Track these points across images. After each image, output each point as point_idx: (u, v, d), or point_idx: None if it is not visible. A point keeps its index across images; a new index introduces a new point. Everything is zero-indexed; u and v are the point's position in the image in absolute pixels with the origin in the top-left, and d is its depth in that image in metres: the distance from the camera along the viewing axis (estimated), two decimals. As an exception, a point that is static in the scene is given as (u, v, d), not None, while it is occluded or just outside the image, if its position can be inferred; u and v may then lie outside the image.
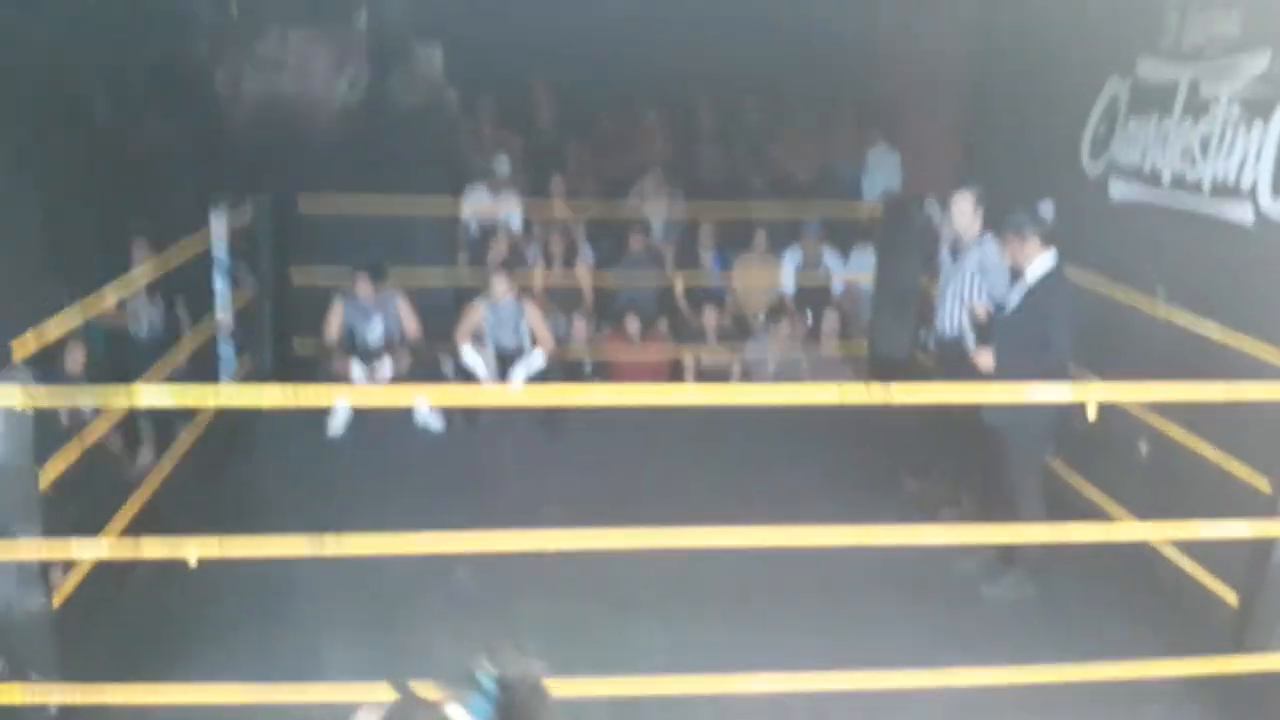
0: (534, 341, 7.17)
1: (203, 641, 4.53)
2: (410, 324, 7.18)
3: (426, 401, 6.93)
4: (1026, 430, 5.05)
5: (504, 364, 7.13)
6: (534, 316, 7.21)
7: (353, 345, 7.12)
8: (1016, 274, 5.25)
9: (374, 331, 7.15)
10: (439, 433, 7.08)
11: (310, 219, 7.76)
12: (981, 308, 5.65)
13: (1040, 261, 5.07)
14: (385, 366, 7.01)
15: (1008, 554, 5.22)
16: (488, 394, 6.85)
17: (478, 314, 7.16)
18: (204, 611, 4.70)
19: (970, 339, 5.65)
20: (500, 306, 7.11)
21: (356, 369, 6.96)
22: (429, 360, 7.24)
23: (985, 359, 5.18)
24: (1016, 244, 5.13)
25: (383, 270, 7.17)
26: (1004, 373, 5.02)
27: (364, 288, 7.06)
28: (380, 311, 7.15)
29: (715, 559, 4.61)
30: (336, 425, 6.94)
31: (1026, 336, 5.03)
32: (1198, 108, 5.60)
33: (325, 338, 7.14)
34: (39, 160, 6.75)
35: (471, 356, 7.06)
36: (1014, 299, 5.21)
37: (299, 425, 6.71)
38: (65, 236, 6.92)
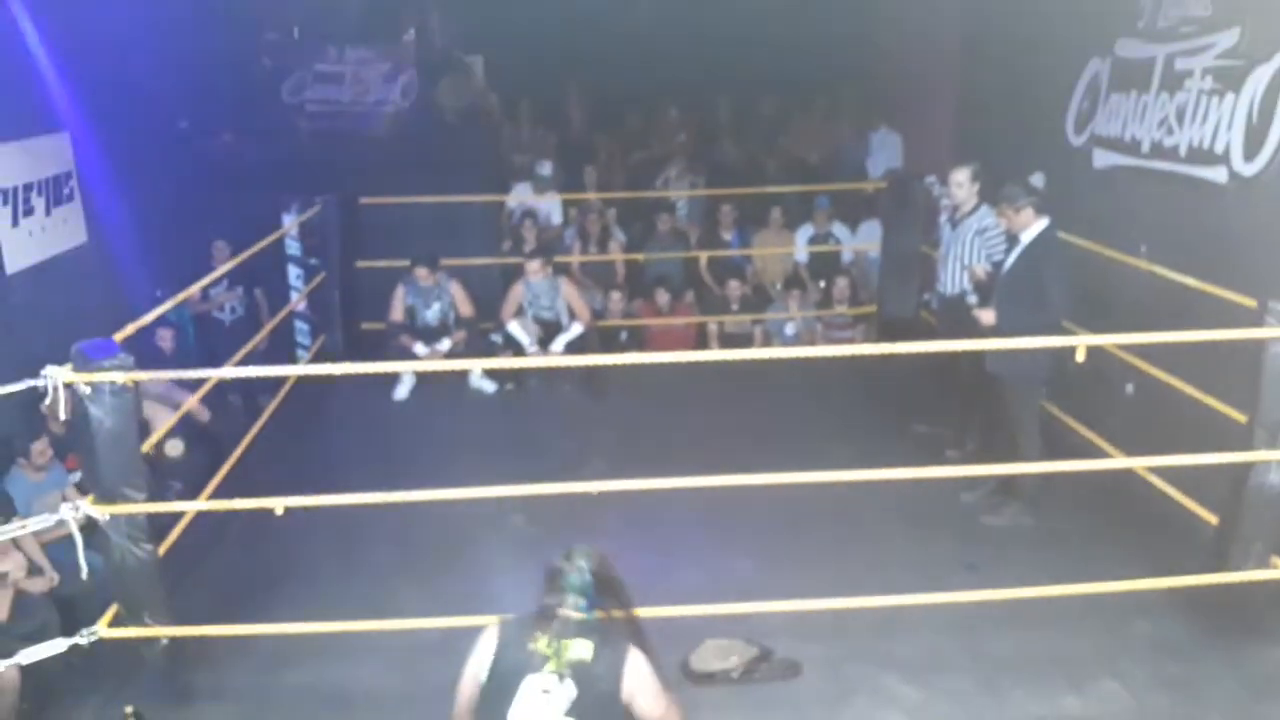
0: (572, 314, 7.24)
1: (290, 583, 4.63)
2: (464, 305, 7.26)
3: (479, 369, 7.00)
4: (1025, 376, 5.04)
5: (547, 334, 7.22)
6: (569, 292, 7.28)
7: (414, 324, 7.20)
8: (1012, 240, 5.21)
9: (432, 312, 7.23)
10: (491, 396, 7.15)
11: (371, 215, 7.82)
12: (981, 270, 5.63)
13: (1035, 228, 5.03)
14: (443, 342, 7.09)
15: (1007, 488, 5.22)
16: (532, 361, 6.93)
17: (519, 292, 7.25)
18: (291, 557, 4.78)
19: (972, 298, 5.62)
20: (538, 285, 7.19)
21: (419, 346, 7.04)
22: (481, 334, 7.31)
23: (987, 316, 5.15)
24: (1012, 213, 5.08)
25: (436, 260, 7.23)
26: (1004, 327, 4.99)
27: (423, 274, 7.14)
28: (436, 295, 7.22)
29: (742, 500, 4.64)
30: (401, 393, 7.04)
31: (1024, 293, 5.00)
32: (1173, 82, 5.52)
33: (390, 318, 7.22)
34: (132, 173, 6.86)
35: (516, 329, 7.16)
36: (1011, 260, 5.18)
37: (368, 394, 6.81)
38: (158, 239, 7.03)
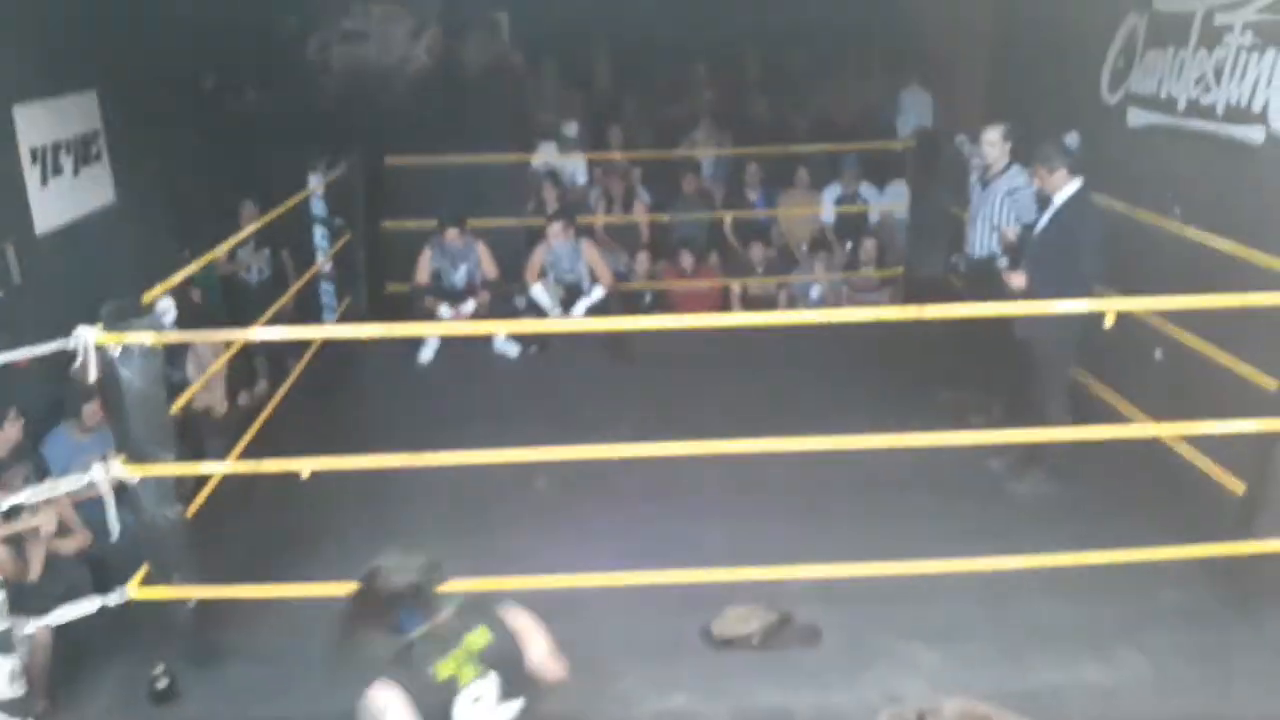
0: (594, 277, 7.21)
1: (317, 544, 4.65)
2: (489, 268, 7.25)
3: (503, 332, 7.01)
4: (1054, 341, 4.97)
5: (570, 297, 7.21)
6: (591, 255, 7.25)
7: (440, 286, 7.19)
8: (1045, 202, 5.12)
9: (458, 274, 7.22)
10: (514, 359, 7.15)
11: (396, 175, 7.79)
12: (1012, 231, 5.55)
13: (1068, 189, 4.94)
14: (468, 305, 7.09)
15: (1033, 454, 5.18)
16: (555, 324, 6.92)
17: (541, 255, 7.23)
18: (317, 519, 4.81)
19: (1002, 261, 5.55)
20: (560, 247, 7.16)
21: (444, 308, 7.04)
22: (505, 296, 7.30)
23: (1018, 279, 5.07)
24: (1045, 173, 4.99)
25: (464, 221, 7.21)
26: (1035, 290, 4.92)
27: (452, 235, 7.12)
28: (464, 257, 7.21)
29: (766, 465, 4.64)
30: (426, 355, 7.06)
31: (1055, 256, 4.92)
32: (1212, 37, 5.37)
33: (416, 279, 7.22)
34: (158, 132, 6.85)
35: (539, 292, 7.16)
36: (1043, 222, 5.09)
37: (393, 355, 6.84)
38: (185, 198, 7.05)
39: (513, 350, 7.17)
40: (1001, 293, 5.09)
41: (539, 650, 2.65)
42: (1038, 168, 5.05)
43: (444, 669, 2.42)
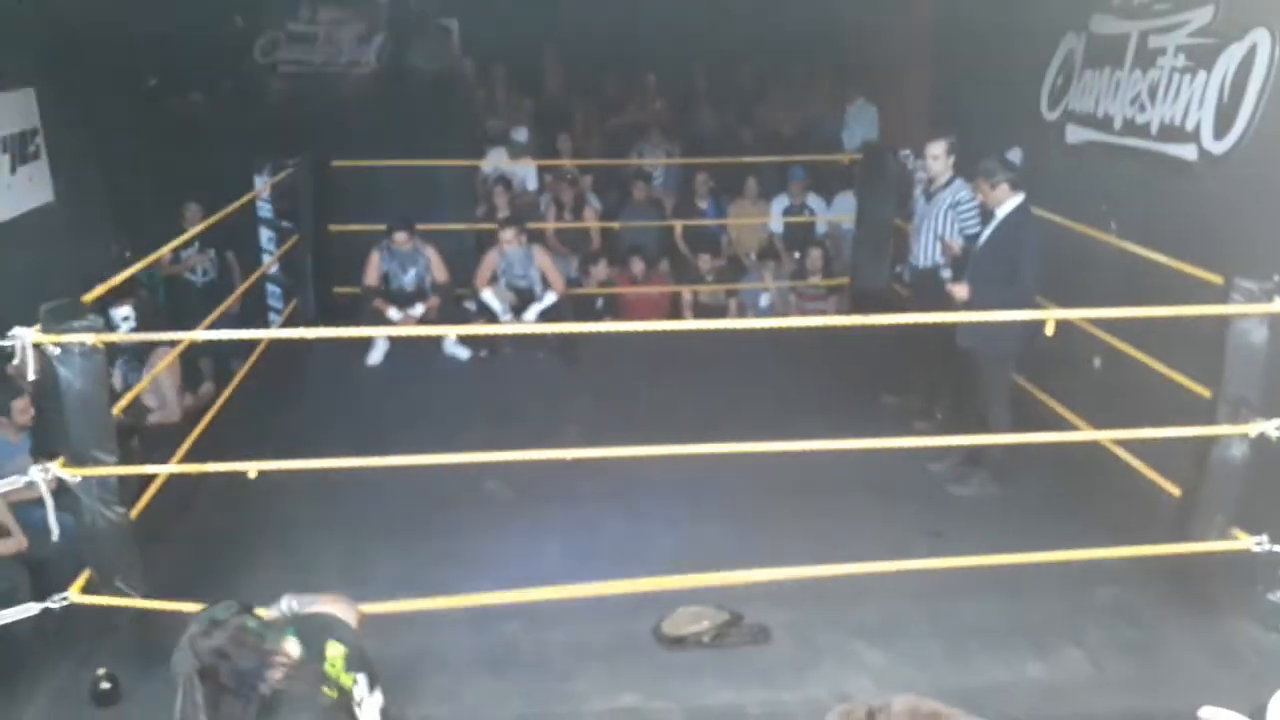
0: (546, 282, 7.20)
1: (264, 547, 4.59)
2: (439, 271, 7.21)
3: (453, 335, 6.97)
4: (996, 350, 5.07)
5: (522, 302, 7.19)
6: (543, 260, 7.24)
7: (389, 289, 7.14)
8: (987, 215, 5.22)
9: (408, 277, 7.17)
10: (464, 363, 7.12)
11: (344, 177, 7.72)
12: (955, 244, 5.65)
13: (1010, 203, 5.05)
14: (417, 308, 7.04)
15: (975, 458, 5.28)
16: (506, 328, 6.90)
17: (493, 260, 7.21)
18: (264, 521, 4.75)
19: (946, 272, 5.64)
20: (512, 253, 7.15)
21: (393, 311, 6.99)
22: (455, 300, 7.26)
23: (961, 290, 5.16)
24: (987, 188, 5.09)
25: (413, 224, 7.16)
26: (976, 301, 5.02)
27: (401, 239, 7.07)
28: (413, 261, 7.16)
29: (715, 467, 4.66)
30: (375, 357, 6.99)
31: (996, 268, 5.02)
32: (1146, 59, 5.55)
33: (365, 282, 7.15)
34: (100, 131, 6.72)
35: (490, 296, 7.12)
36: (985, 234, 5.20)
37: (342, 358, 6.76)
38: (126, 199, 6.92)
39: (463, 354, 7.13)
40: (945, 302, 5.19)
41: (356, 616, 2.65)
42: (980, 182, 5.14)
43: (330, 692, 2.33)
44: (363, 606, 2.90)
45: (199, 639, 2.21)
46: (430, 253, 7.21)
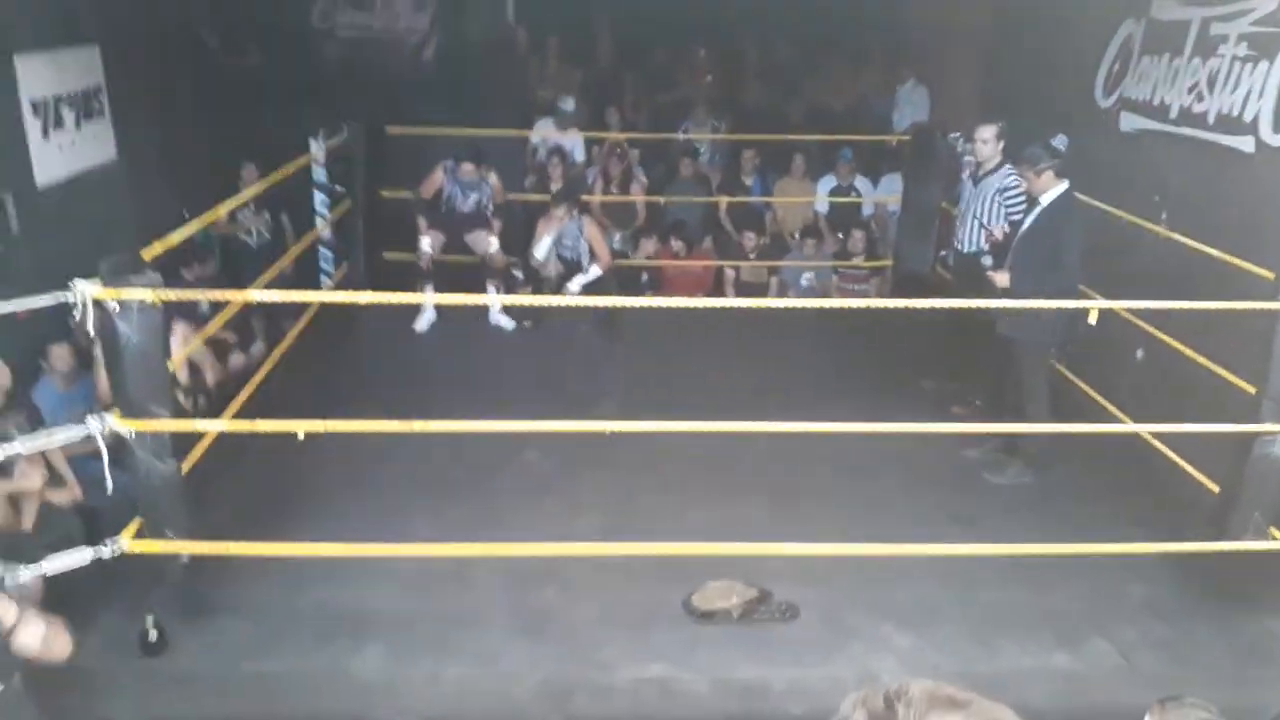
0: (592, 255, 7.18)
1: (309, 505, 4.66)
2: (500, 195, 7.22)
3: (499, 305, 6.99)
4: (1036, 339, 5.01)
5: (568, 273, 7.16)
6: (592, 233, 7.19)
7: (441, 208, 7.12)
8: (1031, 201, 5.14)
9: (468, 202, 7.16)
10: (509, 333, 7.14)
11: (396, 144, 7.75)
12: (1000, 230, 5.57)
13: (1054, 191, 4.96)
14: (481, 239, 7.07)
15: (1011, 446, 5.22)
16: (550, 300, 6.89)
17: (544, 230, 7.19)
18: (310, 480, 4.82)
19: (987, 259, 5.57)
20: (563, 225, 7.12)
21: (425, 240, 6.98)
22: (505, 272, 7.27)
23: (1002, 279, 5.10)
24: (1032, 175, 5.01)
25: (480, 155, 7.16)
26: (1018, 289, 4.95)
27: (468, 169, 7.06)
28: (475, 188, 7.15)
29: (750, 445, 4.67)
30: (422, 324, 7.04)
31: (1039, 256, 4.95)
32: (1207, 47, 5.39)
33: (420, 191, 7.11)
34: (161, 90, 6.79)
35: (543, 249, 7.03)
36: (1027, 222, 5.12)
37: (390, 323, 6.82)
38: (185, 158, 6.99)
39: (508, 324, 7.16)
40: (988, 289, 5.12)
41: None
42: (1024, 169, 5.06)
43: None
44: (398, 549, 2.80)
45: None
46: (493, 178, 7.21)
